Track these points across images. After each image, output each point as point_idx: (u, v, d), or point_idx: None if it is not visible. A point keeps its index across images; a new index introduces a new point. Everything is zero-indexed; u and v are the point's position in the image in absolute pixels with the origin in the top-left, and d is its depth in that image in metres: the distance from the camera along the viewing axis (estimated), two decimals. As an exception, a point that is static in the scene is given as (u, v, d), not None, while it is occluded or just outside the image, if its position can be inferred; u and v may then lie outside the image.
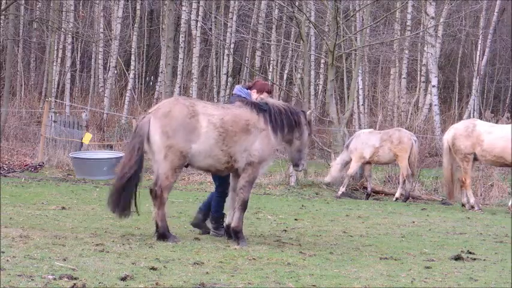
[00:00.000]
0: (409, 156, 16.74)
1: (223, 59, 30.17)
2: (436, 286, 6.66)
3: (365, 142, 16.97)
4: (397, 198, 16.73)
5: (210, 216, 9.35)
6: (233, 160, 8.49)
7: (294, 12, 21.73)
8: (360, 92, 28.33)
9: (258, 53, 30.66)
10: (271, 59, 30.88)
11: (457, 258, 8.21)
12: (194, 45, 29.61)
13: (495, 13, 29.56)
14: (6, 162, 18.79)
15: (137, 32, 31.70)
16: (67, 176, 17.88)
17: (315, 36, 27.26)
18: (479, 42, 29.82)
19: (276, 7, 29.55)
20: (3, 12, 22.52)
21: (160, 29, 32.40)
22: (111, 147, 21.63)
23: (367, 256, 8.20)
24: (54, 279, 5.88)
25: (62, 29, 27.27)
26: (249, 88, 9.43)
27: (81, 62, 32.90)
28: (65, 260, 6.75)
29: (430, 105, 27.96)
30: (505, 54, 34.40)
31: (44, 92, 29.37)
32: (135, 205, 8.37)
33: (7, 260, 6.53)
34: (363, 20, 26.20)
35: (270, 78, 28.87)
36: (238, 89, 9.48)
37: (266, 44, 30.68)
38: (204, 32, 30.89)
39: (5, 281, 5.69)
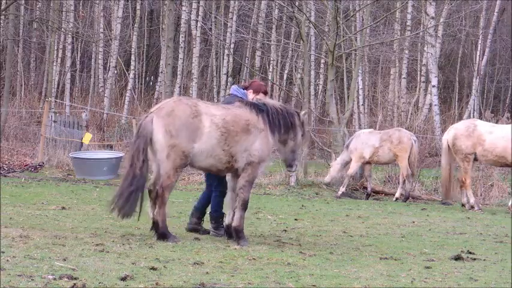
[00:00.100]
0: (409, 156, 16.75)
1: (223, 59, 30.14)
2: (436, 286, 6.66)
3: (365, 142, 16.98)
4: (397, 198, 16.73)
5: (210, 216, 9.34)
6: (234, 160, 8.50)
7: (294, 12, 21.71)
8: (360, 92, 28.31)
9: (258, 53, 30.64)
10: (271, 59, 30.86)
11: (457, 258, 8.21)
12: (194, 45, 29.60)
13: (495, 13, 29.53)
14: (6, 162, 18.80)
15: (137, 32, 31.68)
16: (67, 176, 17.88)
17: (315, 36, 27.24)
18: (479, 42, 29.79)
19: (276, 7, 29.53)
20: (3, 12, 22.52)
21: (160, 29, 32.39)
22: (111, 147, 21.66)
23: (367, 256, 8.19)
24: (54, 279, 5.88)
25: (62, 29, 27.26)
26: (246, 88, 9.43)
27: (81, 62, 32.89)
28: (65, 260, 6.75)
29: (430, 105, 27.94)
30: (505, 54, 34.37)
31: (44, 92, 29.36)
32: (140, 209, 8.32)
33: (7, 260, 6.53)
34: (362, 20, 26.18)
35: (270, 78, 28.87)
36: (234, 89, 9.49)
37: (266, 44, 30.65)
38: (204, 32, 30.88)
39: (5, 281, 5.69)
